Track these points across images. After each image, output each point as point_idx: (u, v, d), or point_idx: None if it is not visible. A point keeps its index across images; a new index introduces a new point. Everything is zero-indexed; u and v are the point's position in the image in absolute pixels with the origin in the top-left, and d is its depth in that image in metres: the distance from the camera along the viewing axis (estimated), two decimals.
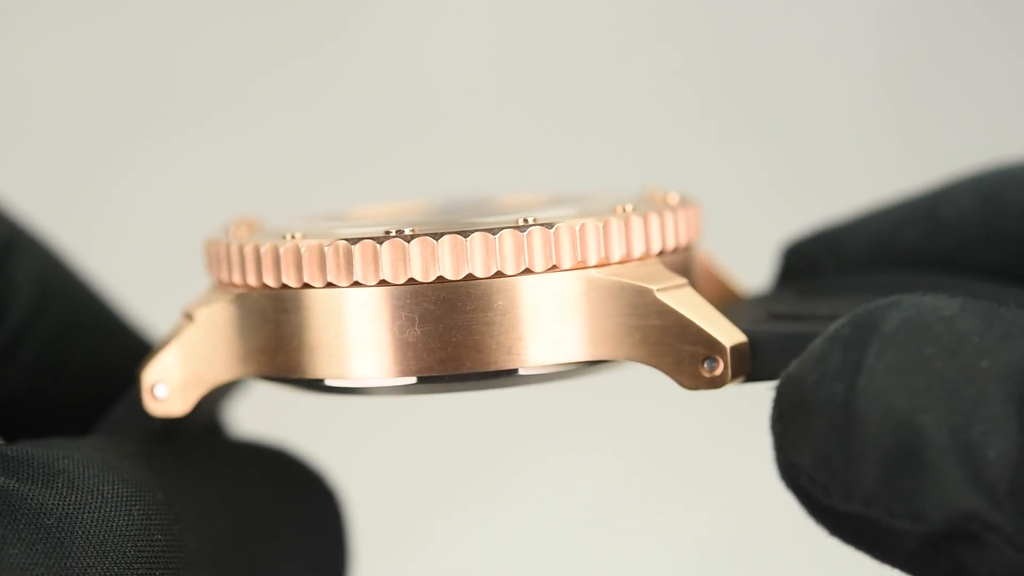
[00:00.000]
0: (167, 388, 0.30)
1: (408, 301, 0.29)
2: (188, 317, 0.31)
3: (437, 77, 0.75)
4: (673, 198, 0.32)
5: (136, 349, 0.35)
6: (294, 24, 0.76)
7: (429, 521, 0.73)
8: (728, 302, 0.34)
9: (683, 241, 0.31)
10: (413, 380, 0.29)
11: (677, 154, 0.73)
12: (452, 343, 0.29)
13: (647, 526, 0.74)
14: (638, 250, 0.30)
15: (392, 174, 0.72)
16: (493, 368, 0.29)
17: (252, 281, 0.30)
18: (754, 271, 0.37)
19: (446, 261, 0.28)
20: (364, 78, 0.75)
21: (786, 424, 0.26)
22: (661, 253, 0.30)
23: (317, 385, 0.30)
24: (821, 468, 0.25)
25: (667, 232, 0.30)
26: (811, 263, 0.34)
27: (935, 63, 0.75)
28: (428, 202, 0.35)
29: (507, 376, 0.29)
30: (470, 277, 0.28)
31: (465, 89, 0.75)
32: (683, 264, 0.31)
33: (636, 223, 0.29)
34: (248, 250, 0.30)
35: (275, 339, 0.30)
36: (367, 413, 0.67)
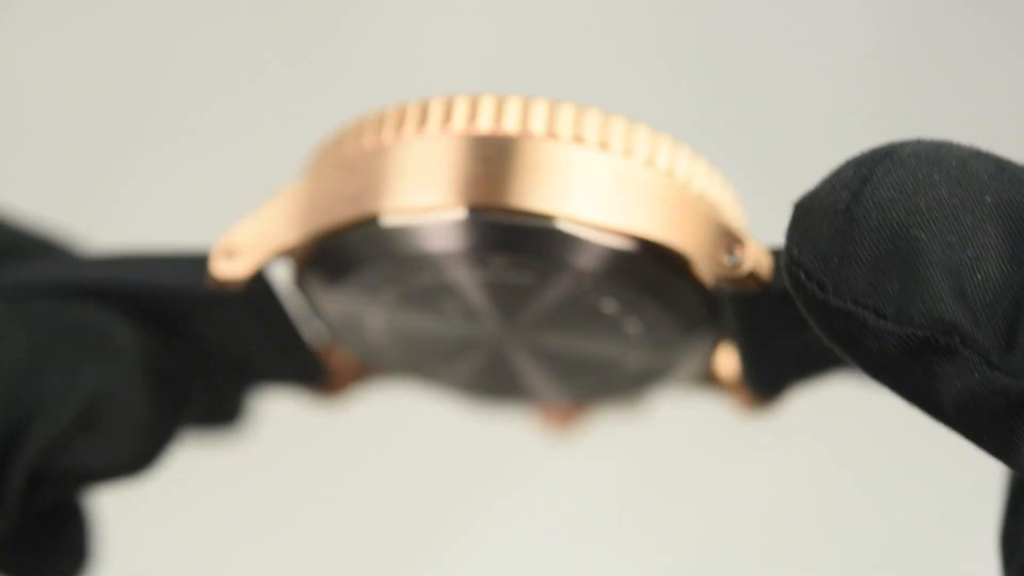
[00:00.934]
0: (234, 251, 0.32)
1: (469, 147, 0.30)
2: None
3: (435, 74, 0.75)
4: None
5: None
6: (292, 23, 0.76)
7: (429, 527, 0.73)
8: None
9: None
10: (463, 213, 0.30)
11: None
12: (502, 181, 0.30)
13: (647, 531, 0.74)
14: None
15: None
16: (534, 208, 0.30)
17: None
18: None
19: (511, 117, 0.30)
20: (363, 76, 0.75)
21: (795, 228, 0.27)
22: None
23: (366, 241, 0.31)
24: (818, 265, 0.27)
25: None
26: None
27: (934, 60, 0.75)
28: None
29: (546, 229, 0.30)
30: (527, 134, 0.30)
31: (462, 86, 0.75)
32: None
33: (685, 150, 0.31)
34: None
35: (337, 191, 0.31)
36: (369, 418, 0.67)
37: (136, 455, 0.31)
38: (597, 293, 0.31)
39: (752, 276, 0.29)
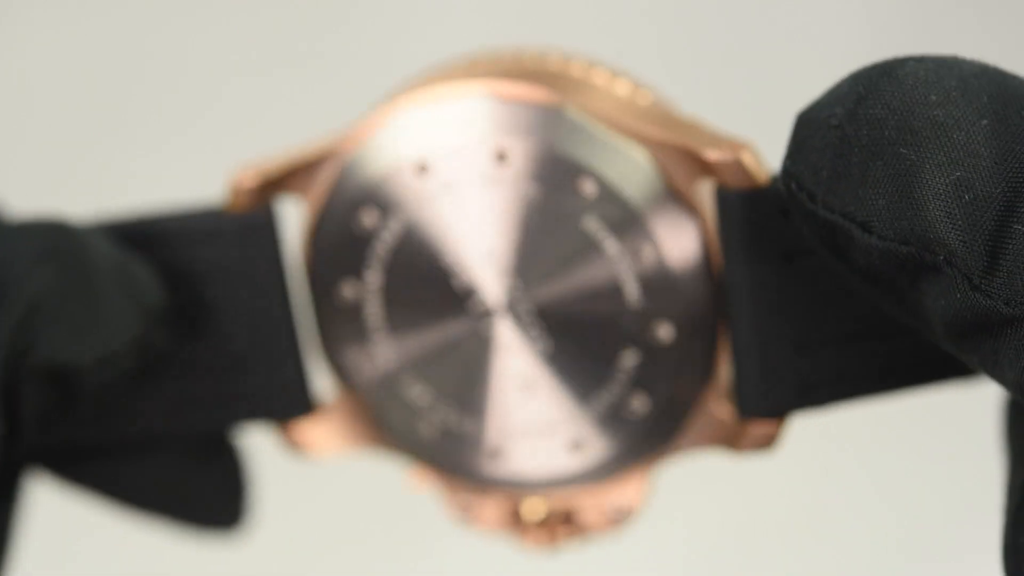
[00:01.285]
0: (258, 163, 0.34)
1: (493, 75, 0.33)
2: None
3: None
4: None
5: None
6: (294, 21, 0.76)
7: (425, 527, 0.73)
8: None
9: None
10: (484, 98, 0.32)
11: None
12: (520, 81, 0.32)
13: (643, 527, 0.74)
14: None
15: None
16: (547, 96, 0.32)
17: None
18: None
19: (531, 60, 0.34)
20: (365, 73, 0.75)
21: (793, 139, 0.28)
22: None
23: (387, 144, 0.32)
24: (810, 178, 0.27)
25: None
26: None
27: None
28: None
29: (556, 110, 0.32)
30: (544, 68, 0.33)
31: None
32: None
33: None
34: None
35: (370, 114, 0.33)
36: None
37: (105, 350, 0.32)
38: (599, 217, 0.31)
39: (745, 168, 0.30)
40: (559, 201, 0.31)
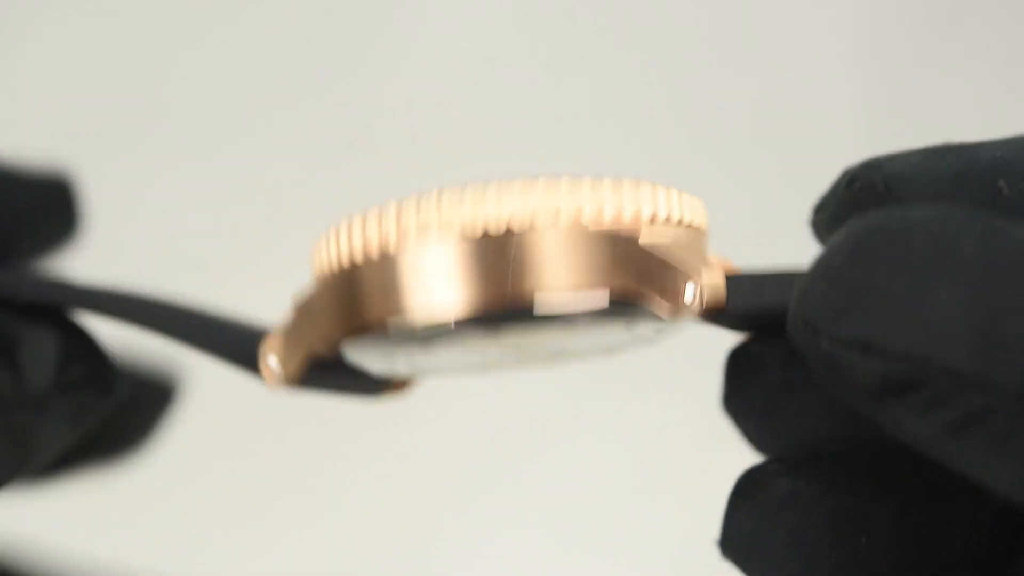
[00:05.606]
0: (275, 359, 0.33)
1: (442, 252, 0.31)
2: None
3: (437, 79, 0.75)
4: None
5: None
6: (297, 28, 0.76)
7: (425, 520, 0.74)
8: None
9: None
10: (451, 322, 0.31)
11: (674, 155, 0.73)
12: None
13: (643, 526, 0.74)
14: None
15: (395, 175, 0.73)
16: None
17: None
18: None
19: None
20: (368, 81, 0.75)
21: (801, 288, 0.30)
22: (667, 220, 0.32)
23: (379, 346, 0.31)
24: (814, 318, 0.29)
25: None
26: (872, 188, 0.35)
27: (930, 58, 0.76)
28: None
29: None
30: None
31: (465, 90, 0.75)
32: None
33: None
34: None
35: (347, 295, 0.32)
36: (366, 413, 0.67)
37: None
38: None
39: (707, 307, 0.31)
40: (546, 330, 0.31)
